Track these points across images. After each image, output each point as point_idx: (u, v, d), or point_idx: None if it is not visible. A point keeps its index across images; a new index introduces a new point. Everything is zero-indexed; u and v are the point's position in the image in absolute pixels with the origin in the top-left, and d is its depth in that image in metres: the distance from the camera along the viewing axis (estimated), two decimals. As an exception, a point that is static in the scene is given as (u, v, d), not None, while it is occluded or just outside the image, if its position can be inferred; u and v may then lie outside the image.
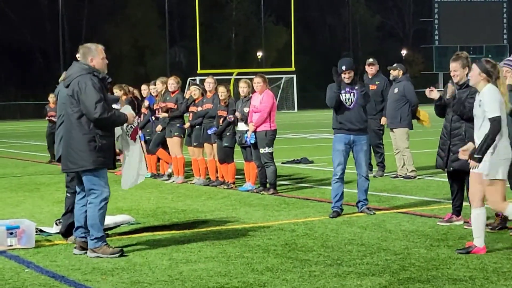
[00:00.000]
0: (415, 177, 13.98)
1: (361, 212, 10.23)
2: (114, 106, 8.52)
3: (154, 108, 15.06)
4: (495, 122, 7.32)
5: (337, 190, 10.21)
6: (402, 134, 14.21)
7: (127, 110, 8.48)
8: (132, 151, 8.50)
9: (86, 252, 7.94)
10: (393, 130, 14.34)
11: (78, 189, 8.10)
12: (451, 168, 9.11)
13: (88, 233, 8.00)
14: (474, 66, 7.74)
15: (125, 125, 8.34)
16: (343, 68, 10.18)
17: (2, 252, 8.15)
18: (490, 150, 7.38)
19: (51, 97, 20.36)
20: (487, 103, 7.42)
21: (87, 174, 7.84)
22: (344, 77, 10.19)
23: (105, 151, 7.87)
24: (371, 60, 14.91)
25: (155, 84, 15.31)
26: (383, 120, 14.53)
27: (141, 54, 76.49)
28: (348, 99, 10.21)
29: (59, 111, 8.91)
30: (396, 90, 14.23)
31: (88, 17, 75.07)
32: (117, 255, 7.77)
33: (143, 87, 16.00)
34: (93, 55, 8.05)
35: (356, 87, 10.23)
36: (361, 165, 10.30)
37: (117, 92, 15.64)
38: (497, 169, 7.39)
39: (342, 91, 10.22)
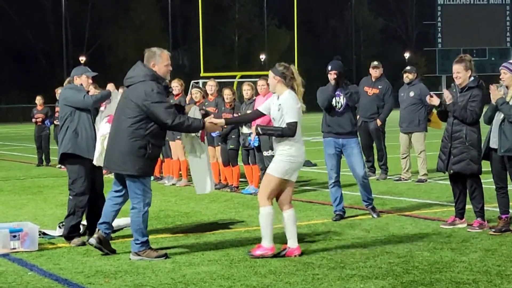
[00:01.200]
0: (426, 181, 13.95)
1: (369, 212, 10.25)
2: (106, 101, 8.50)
3: None
4: (291, 127, 7.73)
5: (335, 194, 10.21)
6: (420, 137, 14.18)
7: (196, 113, 8.29)
8: (203, 154, 8.39)
9: (101, 247, 7.92)
10: (410, 133, 14.25)
11: (116, 187, 8.01)
12: (452, 171, 9.10)
13: (111, 230, 8.05)
14: (270, 72, 8.05)
15: None
16: (329, 68, 10.20)
17: (5, 255, 8.15)
18: (284, 151, 7.75)
19: (38, 100, 20.46)
20: (286, 108, 7.77)
21: (133, 178, 7.76)
22: (330, 78, 10.18)
23: (153, 160, 7.83)
24: (375, 63, 14.86)
25: None
26: (378, 122, 14.53)
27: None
28: (338, 102, 10.18)
29: (61, 112, 8.92)
30: (412, 94, 14.16)
31: (91, 20, 75.16)
32: (162, 258, 7.74)
33: (174, 84, 15.80)
34: (156, 61, 7.90)
35: (344, 91, 10.17)
36: (355, 169, 10.22)
37: (176, 87, 15.25)
38: (280, 166, 7.69)
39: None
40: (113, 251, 8.09)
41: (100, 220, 8.08)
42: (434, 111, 14.18)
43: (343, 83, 10.20)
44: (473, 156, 8.96)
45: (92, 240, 7.99)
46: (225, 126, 9.40)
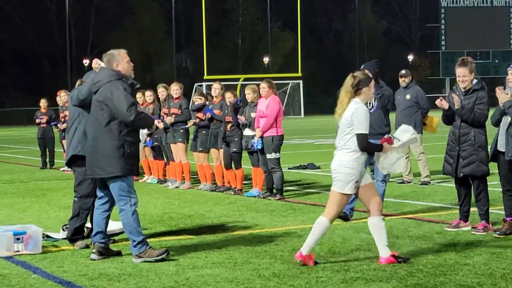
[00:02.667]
0: (429, 183, 13.93)
1: None
2: None
3: (161, 114, 15.04)
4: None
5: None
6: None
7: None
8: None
9: (103, 257, 7.92)
10: None
11: (100, 194, 8.07)
12: (461, 174, 9.06)
13: (106, 239, 8.05)
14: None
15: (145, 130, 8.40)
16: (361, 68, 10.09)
17: (9, 258, 8.15)
18: None
19: (43, 103, 20.55)
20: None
21: (115, 180, 7.81)
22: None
23: (133, 158, 7.87)
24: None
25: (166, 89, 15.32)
26: None
27: (148, 60, 76.64)
28: (369, 103, 10.15)
29: (70, 113, 8.95)
30: (408, 97, 14.12)
31: (95, 24, 75.30)
32: (164, 255, 7.75)
33: (148, 93, 15.90)
34: (118, 61, 8.02)
35: (375, 92, 10.15)
36: (378, 169, 10.21)
37: (150, 96, 15.50)
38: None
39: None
40: (118, 253, 8.09)
41: (94, 231, 8.09)
42: (430, 115, 14.20)
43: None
44: (482, 158, 8.95)
45: (94, 256, 7.98)
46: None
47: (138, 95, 15.84)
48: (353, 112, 7.42)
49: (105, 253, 8.01)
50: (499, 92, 8.65)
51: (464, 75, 9.02)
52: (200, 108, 13.97)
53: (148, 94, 14.97)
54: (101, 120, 7.84)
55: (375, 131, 10.11)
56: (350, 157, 7.51)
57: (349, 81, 7.51)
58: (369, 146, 7.58)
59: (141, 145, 8.54)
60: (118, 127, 7.78)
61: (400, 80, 14.31)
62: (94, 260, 7.94)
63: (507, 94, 8.65)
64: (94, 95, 8.01)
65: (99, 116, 7.86)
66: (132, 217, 7.82)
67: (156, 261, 7.72)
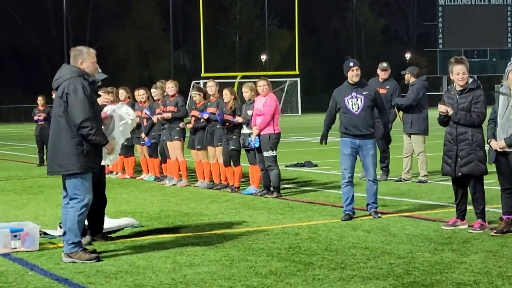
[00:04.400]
0: (426, 182, 13.95)
1: (369, 214, 10.23)
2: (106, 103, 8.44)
3: (157, 112, 15.03)
4: None
5: (347, 194, 10.19)
6: (418, 139, 14.16)
7: (124, 108, 8.41)
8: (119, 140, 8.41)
9: (73, 261, 7.80)
10: (410, 135, 14.26)
11: (64, 193, 8.04)
12: (460, 174, 9.07)
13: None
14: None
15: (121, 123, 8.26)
16: (351, 64, 10.17)
17: (6, 255, 8.15)
18: None
19: (40, 100, 20.57)
20: None
21: (71, 178, 7.78)
22: (352, 75, 10.16)
23: (92, 155, 7.80)
24: (385, 65, 14.73)
25: (156, 88, 15.31)
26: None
27: (146, 57, 76.60)
28: (355, 105, 10.16)
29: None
30: (407, 94, 14.18)
31: (92, 22, 75.22)
32: (93, 261, 7.66)
33: (141, 91, 15.90)
34: (83, 58, 7.98)
35: (364, 92, 10.17)
36: (368, 169, 10.27)
37: (123, 93, 15.63)
38: None
39: (347, 97, 10.20)
40: (93, 252, 7.93)
41: (63, 232, 7.99)
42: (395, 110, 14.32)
43: (366, 84, 10.29)
44: (480, 157, 8.95)
45: (66, 259, 7.80)
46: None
47: (141, 92, 15.84)
48: None
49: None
50: (494, 145, 8.70)
51: (463, 72, 9.02)
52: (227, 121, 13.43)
53: (170, 85, 14.47)
54: (60, 116, 7.78)
55: (360, 132, 10.12)
56: None
57: None
58: None
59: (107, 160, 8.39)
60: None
61: (380, 72, 14.47)
62: (67, 262, 7.78)
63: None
64: (55, 91, 7.94)
65: (58, 112, 7.80)
66: (78, 217, 7.77)
67: (83, 263, 7.64)
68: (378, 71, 14.72)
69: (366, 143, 10.17)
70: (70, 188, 7.83)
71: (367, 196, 10.36)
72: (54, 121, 7.93)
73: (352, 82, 10.23)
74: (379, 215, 10.20)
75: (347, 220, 9.95)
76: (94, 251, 7.99)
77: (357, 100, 10.16)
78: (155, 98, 15.23)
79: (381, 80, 14.66)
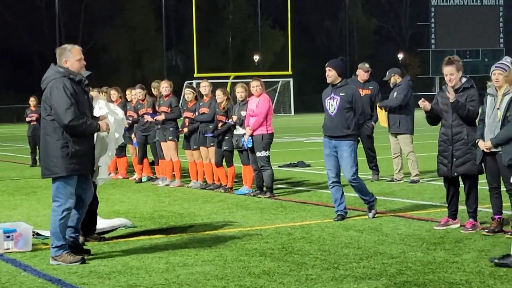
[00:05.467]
0: (418, 181, 13.99)
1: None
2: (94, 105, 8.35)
3: (141, 113, 15.10)
4: None
5: (335, 194, 10.18)
6: (406, 139, 14.20)
7: (117, 110, 8.33)
8: (109, 152, 8.35)
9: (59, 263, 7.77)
10: (396, 135, 14.30)
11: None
12: (455, 174, 9.09)
13: (77, 234, 7.96)
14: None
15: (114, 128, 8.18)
16: (326, 65, 10.12)
17: (-1, 256, 8.14)
18: None
19: (32, 101, 20.56)
20: None
21: (55, 181, 7.69)
22: (326, 75, 10.11)
23: (79, 158, 7.65)
24: (367, 65, 14.83)
25: (142, 89, 15.37)
26: (373, 124, 14.60)
27: (139, 57, 76.46)
28: (331, 106, 10.11)
29: None
30: (395, 94, 14.22)
31: (85, 21, 75.07)
32: (78, 263, 7.60)
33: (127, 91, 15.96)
34: (67, 57, 7.82)
35: (341, 93, 10.06)
36: (343, 171, 10.11)
37: (114, 94, 15.67)
38: None
39: (327, 98, 10.17)
40: (87, 252, 7.95)
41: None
42: (380, 112, 14.36)
43: (346, 85, 10.17)
44: (475, 157, 8.96)
45: (53, 261, 7.77)
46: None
47: (133, 92, 15.82)
48: None
49: (75, 248, 7.89)
50: (481, 144, 8.72)
51: (451, 74, 9.05)
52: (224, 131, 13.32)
53: (165, 85, 14.42)
54: (45, 119, 7.69)
55: (335, 134, 10.06)
56: None
57: None
58: None
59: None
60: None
61: (364, 73, 14.53)
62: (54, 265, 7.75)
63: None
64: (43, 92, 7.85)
65: (44, 115, 7.72)
66: (60, 221, 7.67)
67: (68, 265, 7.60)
68: (360, 72, 14.72)
69: (340, 144, 10.04)
70: (53, 191, 7.73)
71: (359, 197, 10.33)
72: (42, 123, 7.85)
73: (330, 83, 10.20)
74: (374, 215, 10.10)
75: (340, 220, 9.96)
76: (87, 252, 7.98)
77: (333, 101, 10.08)
78: (140, 98, 15.29)
79: (362, 81, 14.67)
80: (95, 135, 8.06)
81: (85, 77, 8.11)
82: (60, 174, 7.62)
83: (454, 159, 9.02)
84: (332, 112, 10.09)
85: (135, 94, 15.54)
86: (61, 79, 7.66)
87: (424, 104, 9.13)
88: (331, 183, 10.20)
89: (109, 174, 8.74)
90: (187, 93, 14.27)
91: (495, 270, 7.04)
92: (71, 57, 7.83)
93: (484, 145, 8.67)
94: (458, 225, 9.20)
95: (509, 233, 8.63)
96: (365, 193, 10.23)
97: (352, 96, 10.10)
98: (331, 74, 10.07)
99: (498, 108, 8.54)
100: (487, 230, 8.76)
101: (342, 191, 10.25)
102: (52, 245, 7.74)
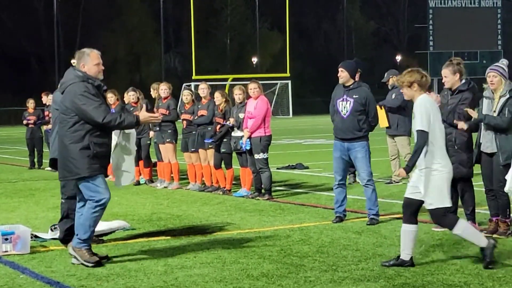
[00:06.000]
0: None
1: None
2: None
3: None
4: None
5: (337, 196, 10.15)
6: (403, 141, 14.22)
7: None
8: (132, 150, 8.43)
9: (75, 255, 7.77)
10: (394, 137, 14.31)
11: (78, 198, 7.94)
12: None
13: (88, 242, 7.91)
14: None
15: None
16: (338, 67, 10.09)
17: (-3, 258, 8.14)
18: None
19: (30, 103, 20.54)
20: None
21: (82, 182, 7.71)
22: (339, 76, 10.08)
23: (100, 158, 7.73)
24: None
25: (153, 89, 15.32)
26: None
27: (137, 60, 76.47)
28: (344, 108, 10.10)
29: (53, 116, 8.92)
30: (393, 97, 14.24)
31: (83, 24, 75.07)
32: (90, 264, 7.58)
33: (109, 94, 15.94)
34: (85, 61, 7.86)
35: (354, 96, 10.05)
36: (359, 173, 10.17)
37: (112, 97, 15.67)
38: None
39: (339, 99, 10.14)
40: (105, 257, 7.91)
41: (75, 235, 7.92)
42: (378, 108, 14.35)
43: (361, 88, 10.15)
44: (462, 160, 8.96)
45: (75, 260, 7.80)
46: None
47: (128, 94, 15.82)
48: None
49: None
50: (471, 112, 8.70)
51: (446, 76, 9.08)
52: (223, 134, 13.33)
53: (163, 87, 14.46)
54: (66, 122, 7.71)
55: (347, 136, 10.04)
56: None
57: None
58: None
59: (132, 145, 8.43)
60: (84, 128, 7.63)
61: (390, 80, 14.41)
62: (74, 264, 7.78)
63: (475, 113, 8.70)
64: (62, 95, 7.87)
65: (65, 118, 7.74)
66: (91, 215, 7.69)
67: (82, 263, 7.60)
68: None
69: (354, 146, 10.03)
70: (85, 192, 7.73)
71: (366, 201, 10.17)
72: (60, 126, 7.85)
73: (342, 84, 10.18)
74: (372, 223, 9.87)
75: (338, 222, 9.96)
76: (106, 257, 7.90)
77: (346, 103, 10.06)
78: (133, 101, 15.28)
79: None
80: (116, 141, 8.15)
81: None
82: (84, 174, 7.64)
83: None
84: (345, 115, 10.05)
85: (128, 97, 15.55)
86: (81, 84, 7.70)
87: (463, 127, 8.94)
88: (337, 184, 10.16)
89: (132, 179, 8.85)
90: (185, 95, 14.28)
91: (493, 272, 7.04)
92: (89, 61, 7.85)
93: (463, 125, 8.73)
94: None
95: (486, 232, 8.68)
96: (373, 202, 10.04)
97: (366, 99, 10.09)
98: (343, 75, 10.04)
99: (494, 111, 8.56)
100: (485, 232, 8.76)
101: (346, 194, 10.22)
102: (76, 235, 7.73)
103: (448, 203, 7.26)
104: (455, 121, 9.01)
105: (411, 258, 7.32)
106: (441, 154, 7.29)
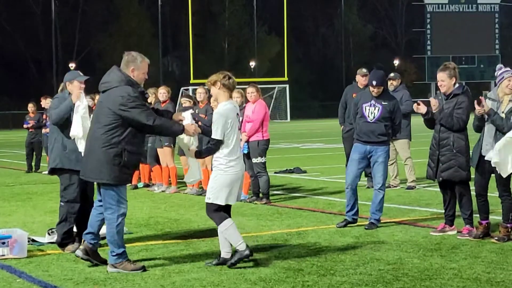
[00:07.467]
0: (415, 187, 14.00)
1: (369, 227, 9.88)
2: None
3: None
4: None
5: (348, 200, 10.06)
6: (404, 144, 14.23)
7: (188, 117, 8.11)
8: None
9: (87, 258, 7.78)
10: (393, 141, 14.31)
11: (99, 196, 7.80)
12: (441, 178, 9.12)
13: (96, 240, 7.86)
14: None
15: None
16: (374, 83, 9.98)
17: (-6, 262, 8.12)
18: None
19: (30, 107, 20.56)
20: None
21: (107, 188, 7.57)
22: (373, 91, 10.04)
23: (129, 168, 7.60)
24: (364, 70, 14.82)
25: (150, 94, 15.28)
26: None
27: (134, 63, 76.42)
28: (371, 113, 10.06)
29: (51, 122, 8.89)
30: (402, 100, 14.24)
31: (81, 27, 75.12)
32: (139, 271, 7.51)
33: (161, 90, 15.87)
34: (136, 67, 7.70)
35: (383, 102, 10.01)
36: (375, 177, 10.14)
37: (164, 93, 15.43)
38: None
39: (366, 104, 10.12)
40: (104, 262, 7.84)
41: (86, 231, 7.90)
42: None
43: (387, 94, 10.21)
44: (461, 163, 8.98)
45: (79, 252, 7.81)
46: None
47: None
48: None
49: (91, 254, 7.82)
50: (483, 100, 8.67)
51: (442, 80, 9.09)
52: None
53: (162, 91, 14.48)
54: (103, 124, 7.52)
55: (372, 140, 10.01)
56: None
57: None
58: None
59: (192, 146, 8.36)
60: (121, 134, 7.47)
61: (389, 83, 14.39)
62: (78, 256, 7.78)
63: (488, 104, 8.68)
64: (102, 94, 7.70)
65: (102, 120, 7.54)
66: (116, 228, 7.58)
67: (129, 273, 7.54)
68: (359, 78, 14.68)
69: (376, 150, 10.00)
70: (106, 198, 7.61)
71: (371, 204, 10.12)
72: (93, 127, 7.67)
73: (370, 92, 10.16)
74: (371, 228, 9.81)
75: (342, 227, 9.86)
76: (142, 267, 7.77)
77: (374, 109, 10.03)
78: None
79: (361, 87, 14.65)
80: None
81: (83, 81, 8.08)
82: (107, 181, 7.51)
83: (440, 164, 9.08)
84: (371, 120, 10.02)
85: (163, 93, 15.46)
86: (127, 87, 7.55)
87: (418, 107, 9.15)
88: (347, 188, 10.09)
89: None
90: (183, 102, 14.27)
91: (492, 276, 7.03)
92: (140, 68, 7.74)
93: (421, 108, 9.03)
94: (454, 232, 9.20)
95: (496, 238, 8.66)
96: (380, 207, 10.00)
97: (394, 107, 10.12)
98: (379, 91, 10.01)
99: (503, 111, 8.58)
100: (496, 238, 8.70)
101: (357, 197, 10.14)
102: (112, 253, 7.59)
103: (220, 202, 7.83)
104: (414, 106, 9.14)
105: None
106: None
